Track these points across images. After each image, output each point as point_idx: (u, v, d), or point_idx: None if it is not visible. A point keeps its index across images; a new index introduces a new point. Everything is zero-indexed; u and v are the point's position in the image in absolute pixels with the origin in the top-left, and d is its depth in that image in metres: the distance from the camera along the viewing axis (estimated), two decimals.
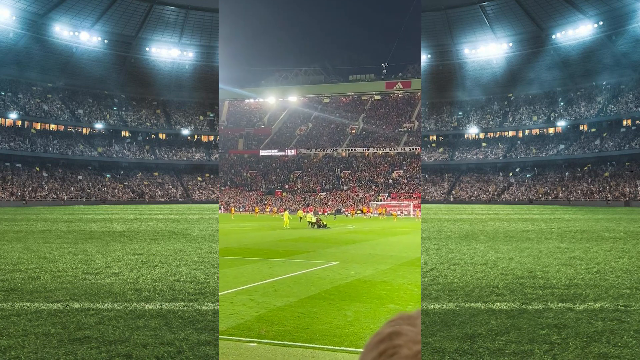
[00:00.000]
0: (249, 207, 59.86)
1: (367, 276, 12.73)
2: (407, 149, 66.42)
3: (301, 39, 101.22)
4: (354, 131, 71.23)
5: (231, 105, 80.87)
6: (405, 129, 69.71)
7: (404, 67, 77.27)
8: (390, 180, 63.02)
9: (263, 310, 8.86)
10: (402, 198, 58.65)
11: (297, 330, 7.66)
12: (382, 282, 11.93)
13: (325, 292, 10.69)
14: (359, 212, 54.87)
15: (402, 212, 52.86)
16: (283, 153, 70.43)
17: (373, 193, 61.07)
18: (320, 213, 43.89)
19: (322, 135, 72.01)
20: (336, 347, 6.84)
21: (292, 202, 60.57)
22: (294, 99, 77.54)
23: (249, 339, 7.11)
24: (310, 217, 33.07)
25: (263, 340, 7.11)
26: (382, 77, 76.11)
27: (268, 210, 57.00)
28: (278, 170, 68.67)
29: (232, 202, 60.00)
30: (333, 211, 53.53)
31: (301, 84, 78.43)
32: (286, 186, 65.17)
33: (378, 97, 75.38)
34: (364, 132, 71.12)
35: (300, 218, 36.51)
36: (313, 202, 60.83)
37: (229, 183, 66.91)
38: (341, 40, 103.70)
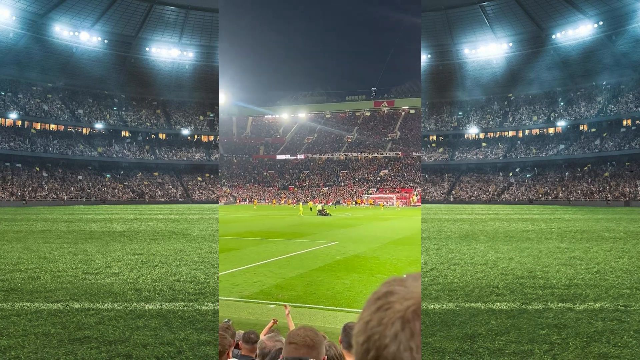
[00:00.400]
0: (268, 199, 74.41)
1: (360, 253, 15.62)
2: (391, 154, 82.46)
3: (308, 68, 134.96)
4: (349, 140, 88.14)
5: (254, 120, 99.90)
6: (389, 138, 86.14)
7: (388, 89, 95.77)
8: (378, 178, 77.97)
9: (279, 279, 11.03)
10: (387, 192, 72.27)
11: (306, 295, 9.50)
12: (373, 257, 14.67)
13: (328, 265, 13.16)
14: (353, 202, 67.60)
15: (387, 203, 65.32)
16: (294, 157, 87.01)
17: (365, 188, 75.32)
18: (323, 204, 53.17)
19: (324, 143, 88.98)
20: (337, 308, 8.52)
21: (301, 195, 73.80)
22: (302, 114, 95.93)
23: (268, 302, 8.88)
24: (319, 206, 43.07)
25: (280, 303, 8.45)
26: (372, 97, 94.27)
27: (283, 201, 71.72)
28: (290, 170, 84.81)
29: (255, 196, 75.22)
30: (333, 202, 64.74)
31: (308, 103, 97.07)
32: (297, 183, 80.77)
33: (368, 113, 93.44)
34: (357, 141, 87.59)
35: (311, 208, 45.67)
36: (318, 195, 73.80)
37: (252, 181, 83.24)
38: (339, 69, 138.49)
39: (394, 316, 0.69)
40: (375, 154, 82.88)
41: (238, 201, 74.69)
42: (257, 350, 3.48)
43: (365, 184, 76.88)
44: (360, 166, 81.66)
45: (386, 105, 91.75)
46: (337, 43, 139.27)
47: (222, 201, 72.53)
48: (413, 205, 63.19)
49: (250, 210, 49.66)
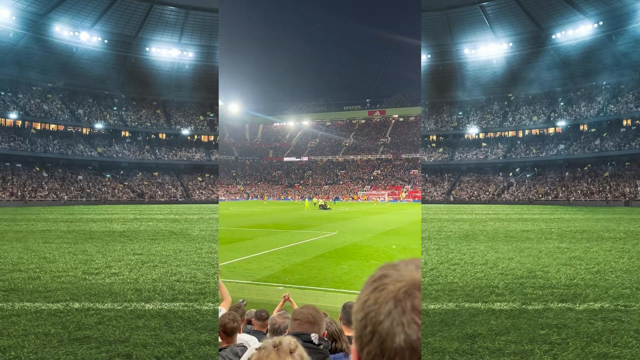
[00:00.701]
0: (276, 196, 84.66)
1: (356, 242, 17.90)
2: (382, 156, 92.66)
3: (310, 81, 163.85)
4: (347, 144, 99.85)
5: (264, 127, 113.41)
6: (381, 142, 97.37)
7: (380, 100, 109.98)
8: (372, 177, 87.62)
9: (287, 265, 12.66)
10: (379, 189, 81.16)
11: (310, 278, 10.89)
12: (367, 245, 16.77)
13: (329, 252, 15.00)
14: (350, 199, 77.94)
15: (379, 199, 73.47)
16: (299, 159, 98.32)
17: (360, 186, 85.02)
18: (324, 200, 60.14)
19: (325, 147, 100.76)
20: (336, 289, 9.76)
21: (305, 192, 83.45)
22: (306, 122, 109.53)
23: (277, 284, 10.21)
24: (321, 202, 49.94)
25: (287, 285, 9.99)
26: (366, 107, 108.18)
27: (289, 197, 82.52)
28: (296, 170, 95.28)
29: (265, 193, 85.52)
30: (333, 198, 74.51)
31: (311, 112, 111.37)
32: (301, 181, 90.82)
33: (363, 121, 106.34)
34: (353, 145, 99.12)
35: (315, 203, 53.44)
36: (320, 192, 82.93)
37: (262, 180, 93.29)
38: (338, 83, 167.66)
39: (388, 296, 0.80)
40: (369, 157, 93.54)
41: (250, 197, 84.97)
42: (269, 326, 3.94)
43: (360, 182, 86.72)
44: (356, 167, 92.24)
45: (378, 114, 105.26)
46: (335, 59, 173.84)
47: (237, 197, 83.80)
48: (401, 201, 74.06)
49: (261, 205, 57.12)
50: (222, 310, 4.42)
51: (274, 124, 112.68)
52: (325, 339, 2.57)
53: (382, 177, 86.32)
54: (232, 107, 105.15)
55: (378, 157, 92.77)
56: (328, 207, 46.06)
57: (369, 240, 18.60)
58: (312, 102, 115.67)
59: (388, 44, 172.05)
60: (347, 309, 3.82)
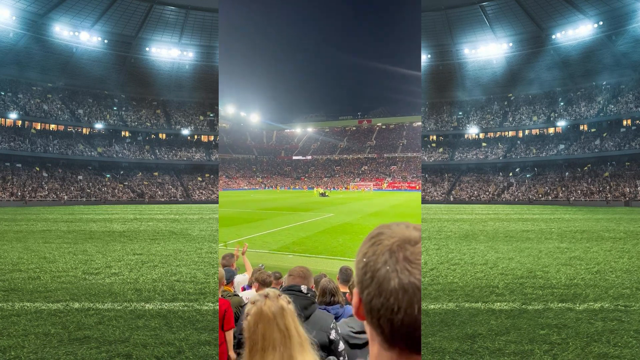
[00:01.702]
0: (286, 186, 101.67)
1: (348, 221, 22.87)
2: (369, 155, 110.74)
3: (314, 98, 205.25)
4: (341, 146, 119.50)
5: (278, 133, 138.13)
6: (368, 145, 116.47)
7: (368, 112, 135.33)
8: (360, 171, 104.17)
9: (295, 238, 16.18)
10: (366, 181, 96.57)
11: (314, 248, 14.01)
12: (357, 224, 21.45)
13: (327, 229, 19.19)
14: (344, 188, 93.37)
15: (366, 188, 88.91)
16: (305, 157, 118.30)
17: (351, 178, 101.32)
18: (324, 189, 73.22)
19: (324, 148, 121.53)
20: (333, 257, 12.53)
21: (309, 183, 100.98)
22: (310, 129, 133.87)
23: (288, 253, 13.24)
24: (321, 190, 62.59)
25: (296, 254, 13.09)
26: (357, 117, 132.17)
27: (297, 187, 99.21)
28: (302, 166, 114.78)
29: (278, 184, 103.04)
30: (331, 188, 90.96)
31: (314, 121, 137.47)
32: (306, 175, 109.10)
33: (354, 128, 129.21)
34: (346, 146, 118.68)
35: (318, 191, 63.41)
36: (320, 183, 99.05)
37: (276, 173, 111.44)
38: (335, 99, 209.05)
39: (384, 249, 0.99)
40: (359, 156, 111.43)
41: (267, 187, 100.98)
42: (282, 284, 5.03)
43: (351, 175, 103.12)
44: (348, 164, 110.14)
45: (366, 123, 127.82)
46: (333, 82, 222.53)
47: (257, 187, 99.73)
48: (383, 190, 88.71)
49: (275, 193, 69.61)
50: (246, 275, 5.66)
51: (285, 130, 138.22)
52: (313, 289, 3.25)
53: (368, 172, 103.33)
54: (253, 117, 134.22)
55: (365, 156, 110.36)
56: (327, 194, 58.44)
57: (358, 220, 23.67)
58: (315, 113, 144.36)
59: (376, 71, 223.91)
60: (342, 271, 4.73)
